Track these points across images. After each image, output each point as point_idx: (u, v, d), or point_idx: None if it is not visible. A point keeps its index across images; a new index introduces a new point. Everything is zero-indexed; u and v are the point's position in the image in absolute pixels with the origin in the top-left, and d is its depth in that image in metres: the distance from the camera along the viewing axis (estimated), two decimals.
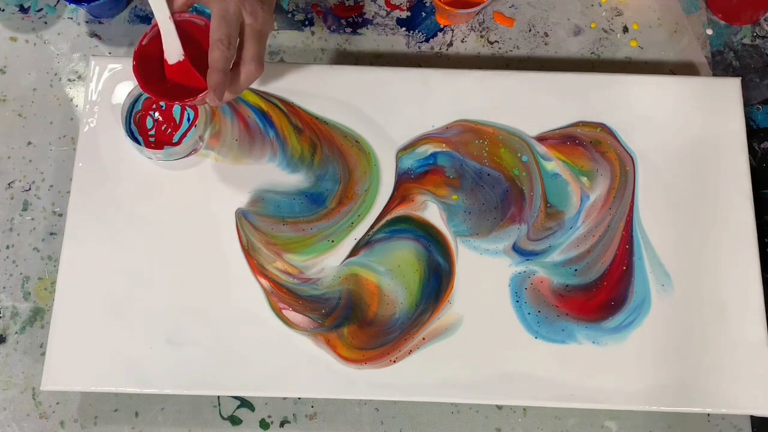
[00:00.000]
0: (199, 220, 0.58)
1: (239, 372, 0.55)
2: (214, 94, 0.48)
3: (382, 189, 0.59)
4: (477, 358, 0.55)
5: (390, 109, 0.61)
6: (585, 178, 0.59)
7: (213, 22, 0.48)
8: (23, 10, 0.69)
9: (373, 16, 0.69)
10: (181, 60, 0.50)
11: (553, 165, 0.60)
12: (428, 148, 0.60)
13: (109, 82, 0.60)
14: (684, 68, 0.68)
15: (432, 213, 0.58)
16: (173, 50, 0.50)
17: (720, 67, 0.68)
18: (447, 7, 0.63)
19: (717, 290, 0.57)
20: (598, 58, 0.68)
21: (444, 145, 0.60)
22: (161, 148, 0.58)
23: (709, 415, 0.60)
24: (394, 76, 0.61)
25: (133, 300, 0.56)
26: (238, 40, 0.49)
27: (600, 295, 0.57)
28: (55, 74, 0.67)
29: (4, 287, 0.62)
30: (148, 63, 0.51)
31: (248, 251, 0.57)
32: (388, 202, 0.59)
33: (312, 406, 0.60)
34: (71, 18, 0.69)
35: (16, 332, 0.61)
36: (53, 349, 0.55)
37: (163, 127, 0.58)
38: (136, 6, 0.69)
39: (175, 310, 0.56)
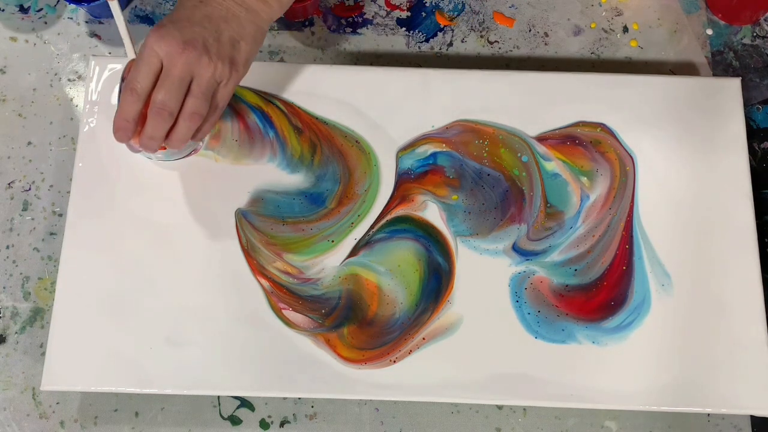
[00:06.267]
0: (199, 220, 0.58)
1: (239, 372, 0.54)
2: (115, 136, 0.50)
3: (382, 189, 0.59)
4: (477, 358, 0.55)
5: (390, 109, 0.61)
6: (585, 178, 0.59)
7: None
8: (23, 10, 0.69)
9: (373, 16, 0.69)
10: None
11: (553, 165, 0.60)
12: (428, 148, 0.60)
13: (109, 82, 0.60)
14: (684, 68, 0.68)
15: (432, 213, 0.58)
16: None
17: (720, 67, 0.68)
18: None
19: (717, 290, 0.57)
20: (598, 58, 0.68)
21: (444, 145, 0.60)
22: (161, 148, 0.58)
23: (709, 415, 0.60)
24: (394, 76, 0.61)
25: (133, 300, 0.56)
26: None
27: (600, 295, 0.57)
28: (55, 74, 0.67)
29: (4, 287, 0.62)
30: None
31: (248, 251, 0.57)
32: (388, 202, 0.59)
33: (312, 406, 0.60)
34: (71, 18, 0.68)
35: (16, 332, 0.61)
36: (53, 349, 0.55)
37: None
38: (136, 6, 0.69)
39: (175, 310, 0.56)
